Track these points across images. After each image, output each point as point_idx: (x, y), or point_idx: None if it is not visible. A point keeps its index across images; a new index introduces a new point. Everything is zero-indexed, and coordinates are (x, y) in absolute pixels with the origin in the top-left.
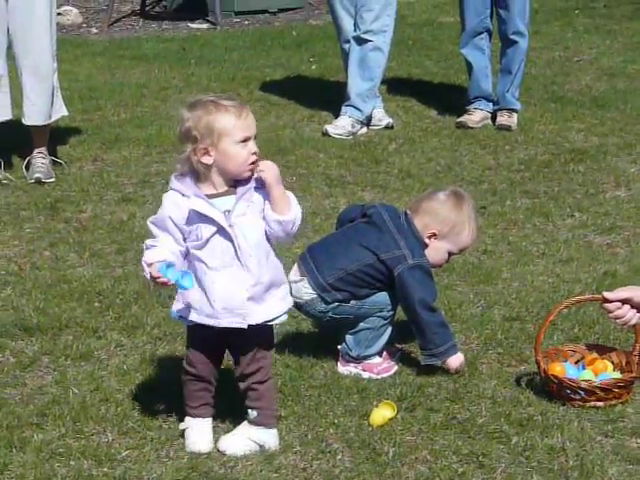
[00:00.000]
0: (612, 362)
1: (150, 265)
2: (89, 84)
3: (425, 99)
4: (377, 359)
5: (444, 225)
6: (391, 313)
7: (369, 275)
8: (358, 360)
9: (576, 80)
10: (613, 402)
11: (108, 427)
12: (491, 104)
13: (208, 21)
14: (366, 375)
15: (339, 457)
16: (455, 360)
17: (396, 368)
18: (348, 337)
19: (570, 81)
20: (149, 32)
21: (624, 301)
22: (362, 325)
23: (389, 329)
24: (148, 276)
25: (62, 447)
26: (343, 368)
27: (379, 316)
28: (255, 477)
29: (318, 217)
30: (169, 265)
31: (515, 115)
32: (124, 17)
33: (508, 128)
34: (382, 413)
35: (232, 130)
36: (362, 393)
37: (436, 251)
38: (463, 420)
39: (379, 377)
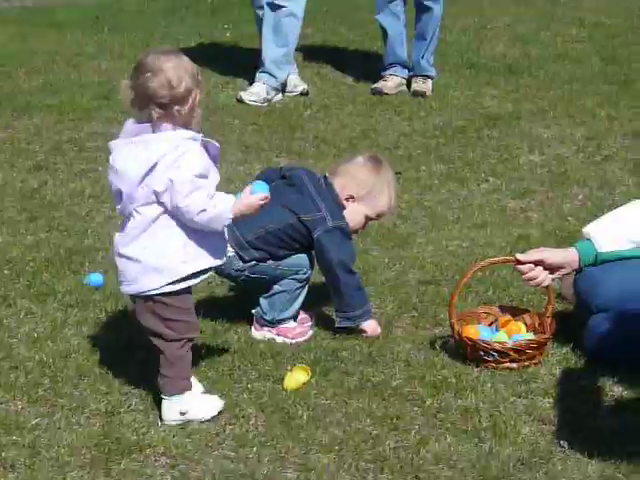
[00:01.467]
0: (525, 324)
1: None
2: (0, 52)
3: (340, 66)
4: (292, 323)
5: (361, 188)
6: (306, 276)
7: (288, 235)
8: (273, 324)
9: (490, 47)
10: (526, 363)
11: (17, 395)
12: (406, 70)
13: None
14: (280, 339)
15: (252, 422)
16: (370, 324)
17: (311, 333)
18: (262, 301)
19: (484, 48)
20: None
21: (537, 262)
22: (277, 288)
23: (303, 292)
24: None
25: None
26: (257, 332)
27: (294, 278)
28: (167, 443)
29: (233, 183)
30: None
31: (430, 81)
32: None
33: (423, 94)
34: (296, 377)
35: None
36: (276, 357)
37: (353, 214)
38: (377, 383)
39: (294, 341)
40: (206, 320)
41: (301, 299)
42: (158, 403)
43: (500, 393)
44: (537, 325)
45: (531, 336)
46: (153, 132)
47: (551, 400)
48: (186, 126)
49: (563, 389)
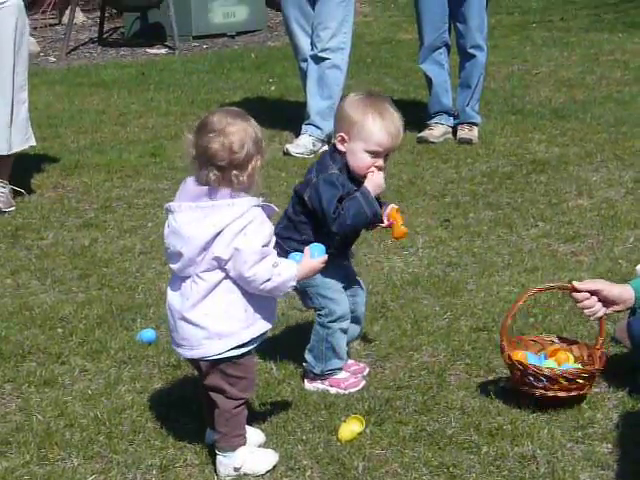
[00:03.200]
0: (574, 355)
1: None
2: (48, 112)
3: None
4: (343, 374)
5: (349, 125)
6: (329, 319)
7: (295, 213)
8: (324, 377)
9: (535, 92)
10: (574, 394)
11: (73, 452)
12: (452, 119)
13: (166, 46)
14: (333, 390)
15: (308, 474)
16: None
17: (364, 383)
18: (307, 355)
19: (529, 93)
20: (107, 59)
21: (592, 292)
22: (313, 338)
23: (339, 340)
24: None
25: (27, 474)
26: (310, 385)
27: (320, 323)
28: None
29: None
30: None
31: (476, 128)
32: (82, 45)
33: (469, 142)
34: (350, 428)
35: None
36: (330, 409)
37: (352, 155)
38: (432, 432)
39: (346, 392)
40: (259, 372)
41: (340, 347)
42: (213, 457)
43: (557, 439)
44: (586, 357)
45: (580, 367)
46: (211, 196)
47: (609, 445)
48: (244, 191)
49: (621, 434)
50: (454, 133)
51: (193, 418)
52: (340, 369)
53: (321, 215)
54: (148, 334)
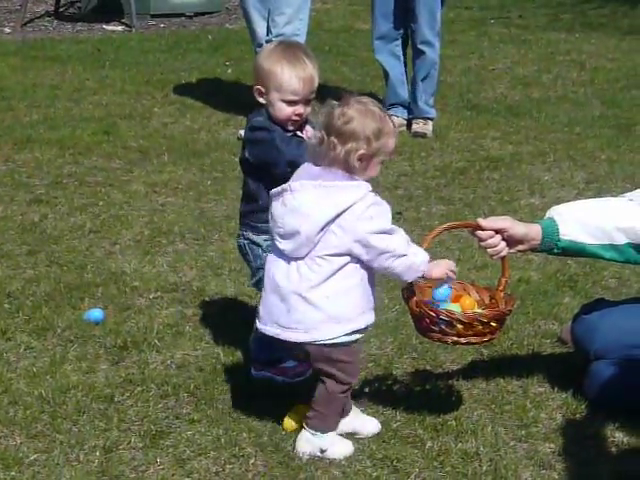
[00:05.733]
0: (474, 299)
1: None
2: (1, 84)
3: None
4: (291, 363)
5: (263, 76)
6: None
7: (248, 184)
8: (271, 365)
9: (491, 89)
10: (486, 339)
11: (16, 430)
12: (407, 111)
13: (123, 23)
14: (280, 379)
15: (252, 461)
16: None
17: (310, 371)
18: (252, 343)
19: (485, 89)
20: (63, 33)
21: (498, 231)
22: (255, 326)
23: None
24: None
25: None
26: (256, 373)
27: None
28: None
29: (233, 220)
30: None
31: (430, 123)
32: (37, 18)
33: (423, 135)
34: (296, 417)
35: (392, 150)
36: (276, 397)
37: (271, 106)
38: None
39: (293, 380)
40: (207, 357)
41: None
42: (157, 440)
43: (500, 437)
44: (488, 301)
45: (481, 311)
46: (333, 176)
47: (552, 445)
48: (363, 178)
49: (564, 434)
50: (409, 126)
51: (138, 401)
52: (286, 357)
53: (268, 157)
54: (95, 314)
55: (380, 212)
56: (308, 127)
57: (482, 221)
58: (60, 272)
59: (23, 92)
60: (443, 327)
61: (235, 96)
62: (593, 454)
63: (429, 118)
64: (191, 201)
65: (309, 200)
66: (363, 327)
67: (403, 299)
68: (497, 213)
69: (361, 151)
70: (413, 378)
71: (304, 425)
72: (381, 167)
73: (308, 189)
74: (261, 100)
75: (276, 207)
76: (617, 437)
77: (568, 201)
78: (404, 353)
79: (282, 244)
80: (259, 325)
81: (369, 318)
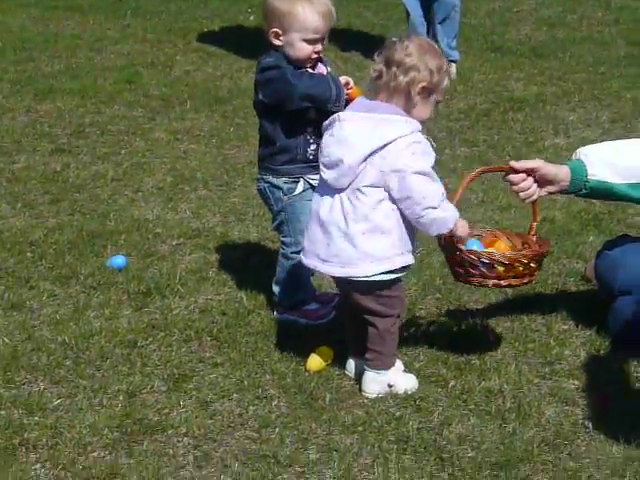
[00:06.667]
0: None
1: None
2: (22, 35)
3: (364, 49)
4: (313, 305)
5: (280, 17)
6: (292, 250)
7: (263, 126)
8: (293, 307)
9: (515, 30)
10: (526, 280)
11: (40, 376)
12: None
13: None
14: (303, 321)
15: (275, 403)
16: None
17: (333, 313)
18: (274, 287)
19: (509, 31)
20: None
21: (529, 172)
22: (277, 270)
23: (302, 269)
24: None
25: None
26: (280, 316)
27: (283, 254)
28: (190, 423)
29: (255, 166)
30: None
31: (453, 65)
32: None
33: None
34: (319, 359)
35: (446, 89)
36: (299, 339)
37: (290, 47)
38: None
39: (316, 323)
40: (229, 302)
41: (305, 278)
42: (180, 383)
43: (524, 374)
44: (521, 245)
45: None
46: (385, 109)
47: (575, 382)
48: (417, 116)
49: (587, 370)
50: None
51: (161, 345)
52: (309, 300)
53: (282, 93)
54: (118, 260)
55: (423, 152)
56: (320, 65)
57: (514, 163)
58: (83, 220)
59: (44, 42)
60: (484, 270)
61: (258, 43)
62: (617, 390)
63: (452, 60)
64: (214, 148)
65: (356, 130)
66: (398, 267)
67: (439, 246)
68: (522, 154)
69: (423, 83)
70: (436, 318)
71: (365, 367)
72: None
73: (356, 120)
74: (277, 42)
75: (325, 138)
76: None
77: (593, 141)
78: (428, 294)
79: (326, 174)
80: (302, 257)
81: (406, 260)
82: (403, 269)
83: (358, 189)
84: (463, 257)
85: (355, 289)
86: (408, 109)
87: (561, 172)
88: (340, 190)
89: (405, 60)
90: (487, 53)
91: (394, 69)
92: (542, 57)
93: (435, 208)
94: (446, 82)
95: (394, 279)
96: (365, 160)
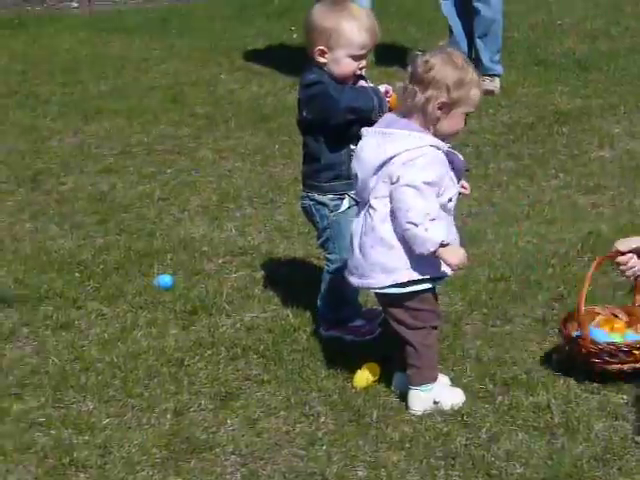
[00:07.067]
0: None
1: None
2: (69, 57)
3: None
4: (359, 322)
5: (325, 35)
6: (336, 266)
7: (307, 143)
8: (339, 324)
9: (559, 43)
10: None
11: (88, 396)
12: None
13: None
14: (349, 338)
15: (322, 420)
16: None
17: (379, 330)
18: (319, 303)
19: (553, 44)
20: (129, 5)
21: (635, 251)
22: (322, 287)
23: (347, 285)
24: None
25: (42, 417)
26: (326, 332)
27: (327, 271)
28: (237, 441)
29: (301, 183)
30: None
31: (497, 79)
32: None
33: (491, 92)
34: (366, 375)
35: (476, 101)
36: (345, 356)
37: (336, 64)
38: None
39: (363, 339)
40: (275, 319)
41: (350, 295)
42: (227, 401)
43: (572, 389)
44: (630, 319)
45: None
46: (398, 124)
47: (625, 396)
48: (435, 133)
49: (636, 385)
50: None
51: (208, 363)
52: (354, 316)
53: (325, 108)
54: (165, 280)
55: (424, 165)
56: (362, 82)
57: (620, 246)
58: (130, 240)
59: (91, 64)
60: (605, 356)
61: (301, 60)
62: None
63: (496, 75)
64: (258, 165)
65: (367, 145)
66: (409, 280)
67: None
68: (567, 167)
69: (441, 99)
70: (483, 333)
71: (409, 385)
72: (466, 119)
73: (371, 135)
74: (322, 60)
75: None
76: None
77: (638, 152)
78: (474, 309)
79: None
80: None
81: (420, 274)
82: (420, 282)
83: (371, 202)
84: (603, 349)
85: (382, 302)
86: (429, 124)
87: None
88: (364, 204)
89: (423, 76)
90: (531, 66)
91: (414, 85)
92: (586, 70)
93: (416, 225)
94: (474, 93)
95: (418, 291)
96: (375, 174)
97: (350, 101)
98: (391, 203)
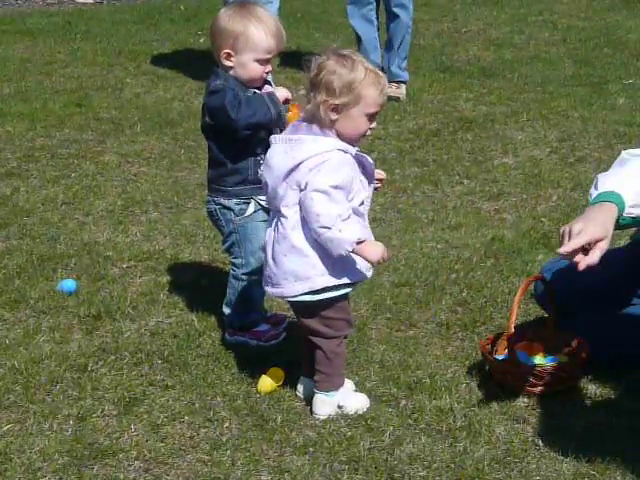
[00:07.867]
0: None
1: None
2: None
3: None
4: (263, 326)
5: (232, 38)
6: (243, 272)
7: (211, 148)
8: (244, 329)
9: (464, 50)
10: (572, 383)
11: None
12: None
13: None
14: (254, 343)
15: (226, 425)
16: None
17: (284, 335)
18: (225, 308)
19: (458, 51)
20: (33, 7)
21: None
22: (228, 291)
23: (253, 291)
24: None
25: None
26: (231, 337)
27: (233, 275)
28: (141, 447)
29: (205, 189)
30: None
31: (403, 86)
32: None
33: (397, 99)
34: (270, 380)
35: (374, 100)
36: (250, 361)
37: (242, 67)
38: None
39: (267, 344)
40: (180, 324)
41: (255, 300)
42: (130, 407)
43: (474, 393)
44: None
45: (562, 357)
46: (304, 130)
47: (525, 399)
48: (340, 136)
49: None
50: None
51: (111, 369)
52: (260, 321)
53: (226, 120)
54: (68, 284)
55: (330, 170)
56: (267, 86)
57: (563, 251)
58: (33, 244)
59: None
60: (531, 379)
61: (208, 65)
62: (566, 407)
63: (402, 81)
64: (164, 170)
65: (275, 153)
66: (323, 287)
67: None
68: (471, 173)
69: (332, 102)
70: (387, 338)
71: (315, 389)
72: (374, 120)
73: (279, 142)
74: (228, 63)
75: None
76: (590, 390)
77: (541, 160)
78: (378, 314)
79: (264, 196)
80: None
81: (333, 280)
82: (335, 289)
83: (281, 210)
84: (528, 371)
85: (296, 311)
86: (329, 128)
87: (608, 218)
88: (275, 212)
89: (315, 80)
90: (436, 73)
91: (309, 90)
92: (491, 77)
93: (329, 228)
94: (368, 93)
95: (332, 299)
96: (284, 181)
97: (247, 119)
98: (301, 210)
